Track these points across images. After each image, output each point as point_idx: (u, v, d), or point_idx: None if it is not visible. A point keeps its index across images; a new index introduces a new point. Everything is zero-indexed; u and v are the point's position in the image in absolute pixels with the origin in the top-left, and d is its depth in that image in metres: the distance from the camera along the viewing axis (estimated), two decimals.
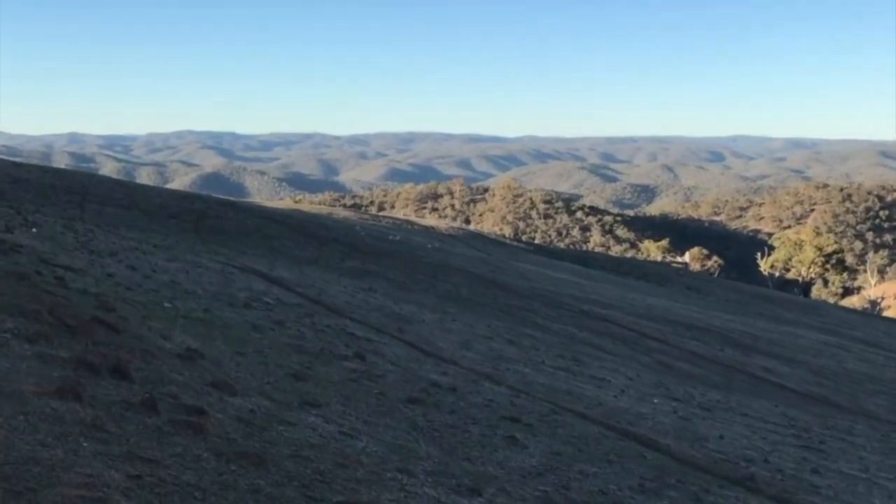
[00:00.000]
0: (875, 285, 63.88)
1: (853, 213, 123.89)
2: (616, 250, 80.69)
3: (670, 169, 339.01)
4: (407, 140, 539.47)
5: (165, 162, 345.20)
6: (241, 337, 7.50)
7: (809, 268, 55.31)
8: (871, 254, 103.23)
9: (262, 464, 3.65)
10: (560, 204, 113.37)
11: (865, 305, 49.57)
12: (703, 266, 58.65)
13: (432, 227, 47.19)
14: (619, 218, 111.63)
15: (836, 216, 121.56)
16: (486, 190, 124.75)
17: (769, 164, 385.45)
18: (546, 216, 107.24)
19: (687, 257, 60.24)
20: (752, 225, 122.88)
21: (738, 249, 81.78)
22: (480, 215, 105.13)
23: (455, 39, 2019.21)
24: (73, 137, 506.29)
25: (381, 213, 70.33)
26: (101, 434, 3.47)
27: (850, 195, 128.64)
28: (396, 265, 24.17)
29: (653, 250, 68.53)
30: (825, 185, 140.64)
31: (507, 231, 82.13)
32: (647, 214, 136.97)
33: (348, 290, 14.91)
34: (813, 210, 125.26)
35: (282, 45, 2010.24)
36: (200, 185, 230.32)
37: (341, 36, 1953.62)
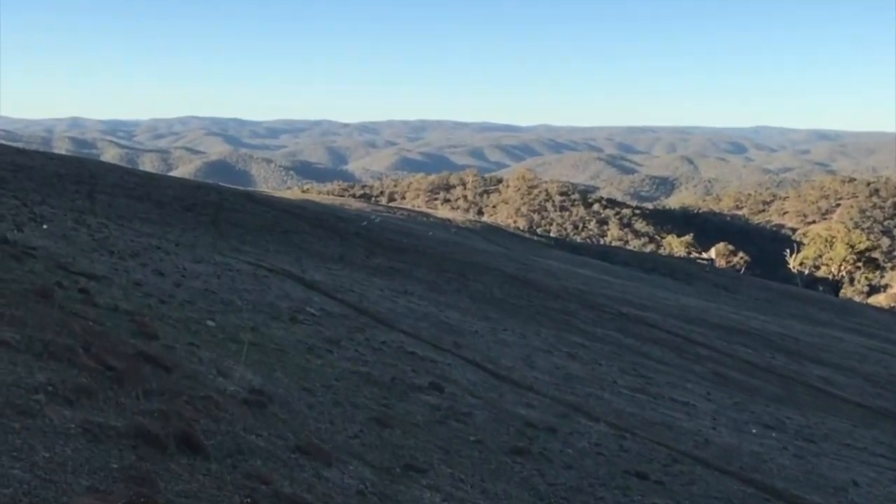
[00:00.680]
0: None
1: (881, 208, 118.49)
2: (635, 245, 78.05)
3: (690, 160, 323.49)
4: (418, 128, 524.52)
5: (169, 148, 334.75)
6: (300, 365, 6.41)
7: (841, 265, 53.39)
8: None
9: None
10: (576, 196, 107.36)
11: (893, 304, 48.18)
12: (728, 262, 56.73)
13: (448, 220, 45.95)
14: (637, 211, 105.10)
15: (862, 211, 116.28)
16: (499, 181, 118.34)
17: (793, 156, 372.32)
18: (562, 208, 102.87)
19: (713, 253, 58.22)
20: (776, 220, 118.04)
21: (760, 244, 78.99)
22: (494, 207, 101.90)
23: (469, 24, 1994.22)
24: (75, 122, 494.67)
25: (392, 204, 68.93)
26: None
27: (877, 190, 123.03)
28: (421, 262, 23.11)
29: (676, 245, 66.40)
30: (852, 179, 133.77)
31: (522, 223, 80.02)
32: (667, 207, 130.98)
33: (385, 294, 13.82)
34: (839, 205, 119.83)
35: (289, 29, 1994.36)
36: (206, 173, 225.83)
37: (351, 19, 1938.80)
